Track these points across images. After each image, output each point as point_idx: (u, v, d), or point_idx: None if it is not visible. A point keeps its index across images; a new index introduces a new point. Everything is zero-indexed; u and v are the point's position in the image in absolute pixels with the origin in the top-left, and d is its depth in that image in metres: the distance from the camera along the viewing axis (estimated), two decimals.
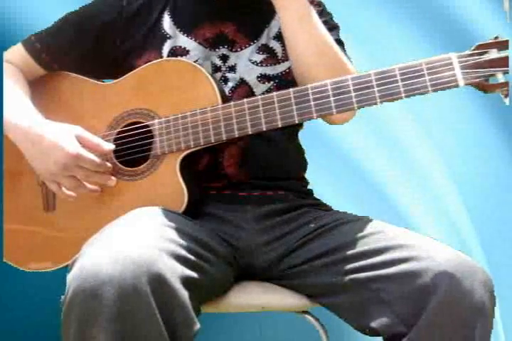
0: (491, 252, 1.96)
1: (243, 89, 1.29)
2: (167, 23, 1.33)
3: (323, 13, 1.37)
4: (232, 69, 1.30)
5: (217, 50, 1.31)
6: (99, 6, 1.35)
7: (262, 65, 1.31)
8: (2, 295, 1.77)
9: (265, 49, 1.32)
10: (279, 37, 1.33)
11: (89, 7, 1.36)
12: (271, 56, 1.32)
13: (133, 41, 1.32)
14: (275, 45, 1.33)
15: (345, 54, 1.33)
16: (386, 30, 1.93)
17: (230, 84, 1.29)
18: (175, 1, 1.34)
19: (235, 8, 1.33)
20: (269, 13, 1.34)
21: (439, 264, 1.06)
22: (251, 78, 1.30)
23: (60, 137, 1.23)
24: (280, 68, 1.32)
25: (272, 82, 1.22)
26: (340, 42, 1.34)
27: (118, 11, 1.33)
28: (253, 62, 1.31)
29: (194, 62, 1.27)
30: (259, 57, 1.31)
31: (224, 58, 1.30)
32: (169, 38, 1.32)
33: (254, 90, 1.29)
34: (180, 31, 1.32)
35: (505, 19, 1.88)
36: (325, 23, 1.30)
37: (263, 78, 1.31)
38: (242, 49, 1.31)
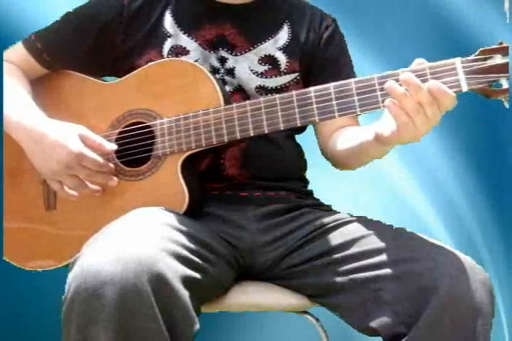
0: (496, 252, 1.97)
1: (240, 96, 1.29)
2: (168, 21, 1.33)
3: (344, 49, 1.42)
4: (231, 72, 1.30)
5: (216, 51, 1.31)
6: (100, 4, 1.34)
7: (262, 77, 1.31)
8: (2, 294, 1.77)
9: (269, 60, 1.32)
10: (285, 48, 1.33)
11: (90, 6, 1.36)
12: (274, 67, 1.32)
13: (134, 40, 1.32)
14: (280, 57, 1.33)
15: (353, 71, 1.40)
16: (388, 32, 1.93)
17: (227, 88, 1.29)
18: (177, 1, 1.34)
19: (237, 11, 1.33)
20: (277, 22, 1.35)
21: (439, 264, 1.07)
22: (249, 88, 1.30)
23: (63, 136, 1.23)
24: (281, 81, 1.32)
25: (269, 95, 1.22)
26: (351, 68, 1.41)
27: (119, 9, 1.32)
28: (254, 73, 1.31)
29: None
30: (261, 68, 1.31)
31: (222, 60, 1.31)
32: (170, 36, 1.32)
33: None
34: (181, 30, 1.32)
35: (506, 19, 1.88)
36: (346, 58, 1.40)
37: (261, 89, 1.31)
38: (241, 53, 1.31)
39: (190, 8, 1.34)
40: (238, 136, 1.19)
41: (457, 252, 1.11)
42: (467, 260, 1.09)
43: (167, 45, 1.31)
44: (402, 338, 1.07)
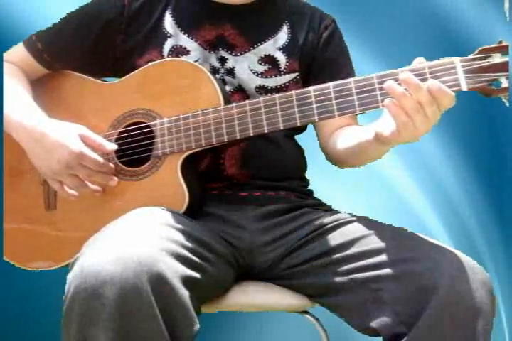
0: (496, 252, 1.97)
1: (240, 96, 1.29)
2: (168, 22, 1.33)
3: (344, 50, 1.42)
4: (231, 72, 1.30)
5: (216, 52, 1.31)
6: (101, 5, 1.34)
7: (262, 76, 1.31)
8: (2, 294, 1.77)
9: (268, 60, 1.32)
10: (285, 48, 1.33)
11: (91, 6, 1.36)
12: (273, 67, 1.32)
13: (134, 40, 1.32)
14: (280, 57, 1.33)
15: (352, 71, 1.39)
16: (388, 32, 1.93)
17: (228, 88, 1.29)
18: (177, 1, 1.34)
19: (237, 11, 1.33)
20: (277, 22, 1.35)
21: (439, 264, 1.07)
22: (249, 88, 1.30)
23: (64, 135, 1.23)
24: (281, 80, 1.32)
25: (269, 94, 1.22)
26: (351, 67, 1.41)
27: (120, 10, 1.32)
28: (254, 73, 1.31)
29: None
30: (260, 68, 1.31)
31: (222, 60, 1.31)
32: (170, 36, 1.32)
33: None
34: (181, 31, 1.32)
35: (505, 19, 1.88)
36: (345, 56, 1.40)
37: (261, 89, 1.31)
38: (241, 53, 1.32)
39: (190, 9, 1.34)
40: (238, 135, 1.19)
41: (457, 252, 1.11)
42: (467, 260, 1.09)
43: (167, 45, 1.31)
44: (403, 338, 1.07)
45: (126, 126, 1.29)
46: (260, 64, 1.32)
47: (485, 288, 1.06)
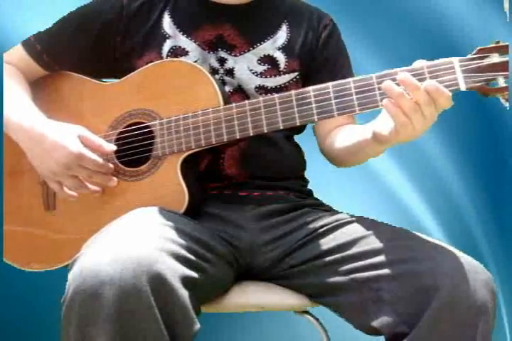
0: (496, 252, 1.97)
1: (240, 96, 1.29)
2: (167, 22, 1.33)
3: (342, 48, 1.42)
4: (230, 73, 1.30)
5: (215, 52, 1.31)
6: (100, 5, 1.34)
7: (261, 76, 1.31)
8: (2, 294, 1.78)
9: (268, 60, 1.32)
10: (284, 48, 1.33)
11: (90, 7, 1.36)
12: (273, 67, 1.32)
13: (133, 41, 1.32)
14: (279, 57, 1.33)
15: (351, 70, 1.40)
16: (388, 32, 1.93)
17: (227, 89, 1.29)
18: (176, 1, 1.34)
19: (235, 11, 1.33)
20: (276, 22, 1.35)
21: (440, 264, 1.07)
22: (249, 88, 1.30)
23: (63, 136, 1.23)
24: (281, 80, 1.32)
25: (269, 95, 1.22)
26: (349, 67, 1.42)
27: (118, 10, 1.32)
28: (253, 73, 1.31)
29: None
30: (260, 68, 1.31)
31: (222, 61, 1.31)
32: (169, 37, 1.32)
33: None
34: (180, 31, 1.32)
35: (506, 19, 1.88)
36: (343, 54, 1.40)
37: (261, 89, 1.31)
38: (241, 54, 1.32)
39: (188, 9, 1.34)
40: (237, 135, 1.19)
41: (459, 252, 1.11)
42: (469, 260, 1.09)
43: (166, 47, 1.31)
44: (404, 338, 1.06)
45: (126, 127, 1.29)
46: (260, 64, 1.32)
47: (487, 288, 1.07)
